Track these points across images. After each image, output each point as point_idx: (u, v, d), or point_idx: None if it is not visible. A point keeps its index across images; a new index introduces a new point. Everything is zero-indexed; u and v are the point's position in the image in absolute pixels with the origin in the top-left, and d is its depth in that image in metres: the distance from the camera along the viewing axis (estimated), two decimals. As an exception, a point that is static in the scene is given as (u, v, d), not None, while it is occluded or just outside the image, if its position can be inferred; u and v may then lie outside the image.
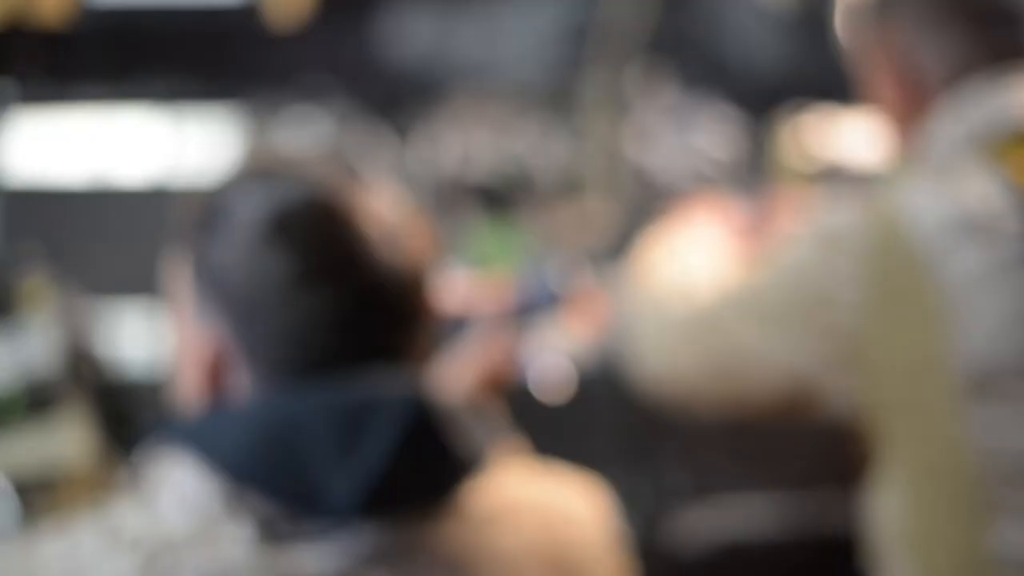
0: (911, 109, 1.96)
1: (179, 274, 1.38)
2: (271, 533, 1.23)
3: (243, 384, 1.32)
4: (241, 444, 1.25)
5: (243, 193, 1.34)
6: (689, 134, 3.02)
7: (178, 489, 1.26)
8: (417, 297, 1.36)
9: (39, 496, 1.86)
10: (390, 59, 4.57)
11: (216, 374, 1.33)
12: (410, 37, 4.57)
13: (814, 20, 4.33)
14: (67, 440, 2.01)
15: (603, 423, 2.48)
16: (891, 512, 1.92)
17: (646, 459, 2.52)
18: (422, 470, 1.28)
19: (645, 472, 2.52)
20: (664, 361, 2.09)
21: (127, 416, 2.46)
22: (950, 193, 1.80)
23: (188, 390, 1.38)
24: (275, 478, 1.24)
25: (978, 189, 1.79)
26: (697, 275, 2.20)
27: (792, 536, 2.60)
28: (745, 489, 2.58)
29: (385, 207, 1.37)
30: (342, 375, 1.29)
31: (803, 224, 1.93)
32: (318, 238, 1.30)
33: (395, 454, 1.24)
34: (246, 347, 1.31)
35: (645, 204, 2.90)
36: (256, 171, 1.38)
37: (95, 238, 3.52)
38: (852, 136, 3.00)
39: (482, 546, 1.31)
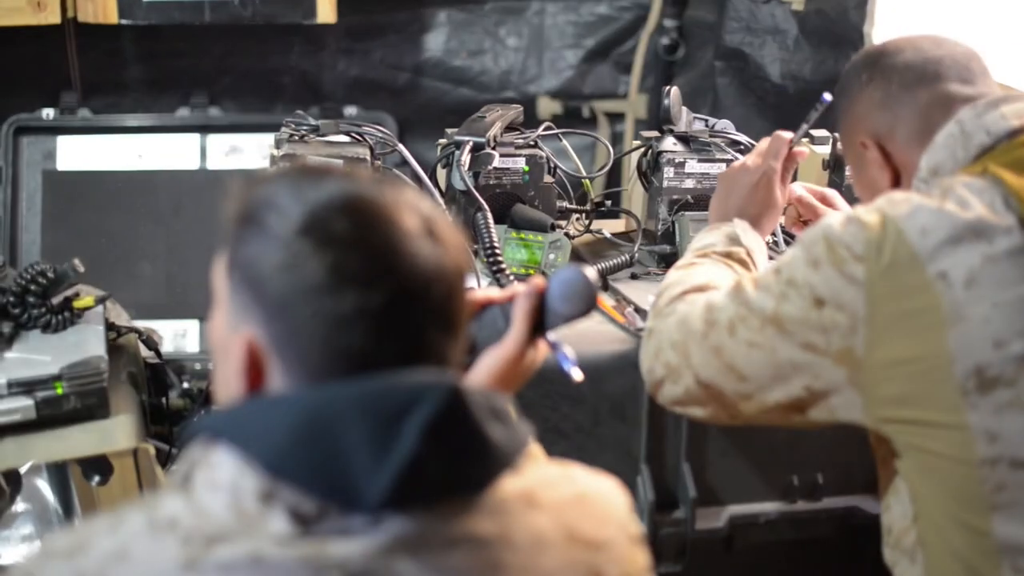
0: (890, 186, 2.08)
1: (220, 270, 1.41)
2: (303, 524, 1.27)
3: (276, 383, 1.36)
4: (277, 436, 1.28)
5: (279, 192, 1.36)
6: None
7: (216, 480, 1.30)
8: (453, 298, 1.38)
9: (94, 471, 1.89)
10: (411, 71, 4.60)
11: (251, 371, 1.36)
12: (429, 49, 4.60)
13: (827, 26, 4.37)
14: (117, 422, 2.06)
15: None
16: (902, 506, 1.97)
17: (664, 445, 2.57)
18: (455, 461, 1.31)
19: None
20: (676, 367, 2.11)
21: (162, 394, 2.52)
22: (949, 201, 1.83)
23: (225, 383, 1.42)
24: (310, 471, 1.27)
25: (975, 196, 1.83)
26: (724, 282, 2.21)
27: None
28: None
29: (421, 208, 1.39)
30: (375, 375, 1.32)
31: (810, 236, 1.93)
32: (353, 238, 1.32)
33: (428, 443, 1.27)
34: (277, 347, 1.34)
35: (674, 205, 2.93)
36: (293, 172, 1.40)
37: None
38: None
39: (508, 536, 1.33)
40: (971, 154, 1.94)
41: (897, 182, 2.09)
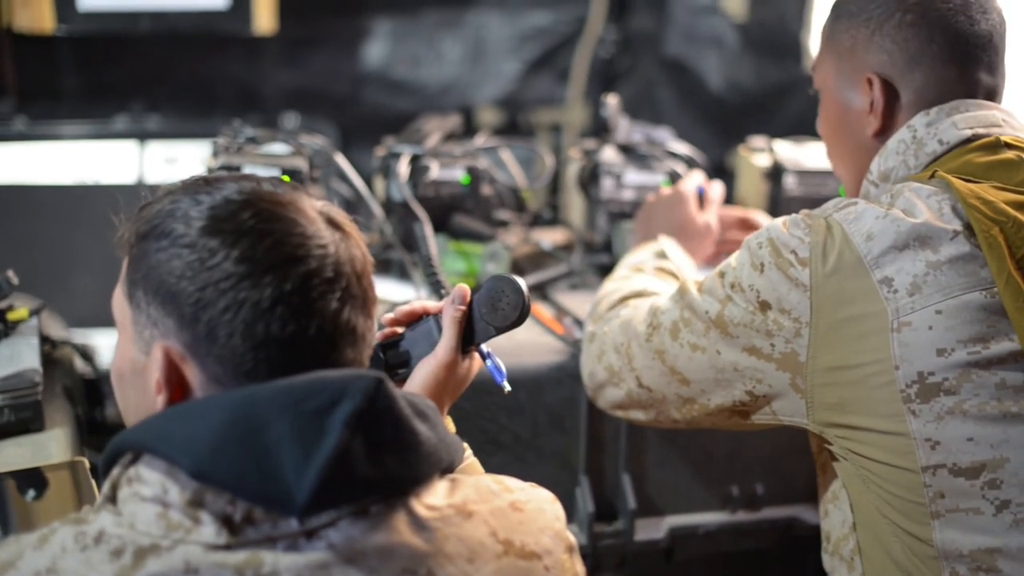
0: (872, 135, 2.02)
1: (119, 298, 1.43)
2: (233, 531, 1.27)
3: (199, 390, 1.36)
4: (201, 441, 1.27)
5: (178, 202, 1.38)
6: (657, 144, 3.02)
7: (142, 493, 1.29)
8: (364, 278, 1.41)
9: (29, 485, 1.87)
10: (352, 81, 4.59)
11: (172, 382, 1.36)
12: (369, 59, 4.59)
13: (769, 38, 4.40)
14: (51, 436, 2.04)
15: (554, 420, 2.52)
16: (841, 513, 1.99)
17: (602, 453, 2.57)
18: (382, 454, 1.31)
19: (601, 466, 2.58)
20: (619, 371, 2.13)
21: (97, 407, 2.50)
22: (896, 207, 1.83)
23: (140, 411, 1.42)
24: (237, 473, 1.26)
25: (923, 202, 1.83)
26: (663, 288, 2.25)
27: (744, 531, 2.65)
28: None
29: (317, 203, 1.42)
30: (297, 365, 1.33)
31: (755, 240, 1.93)
32: (259, 228, 1.34)
33: (353, 436, 1.27)
34: (196, 350, 1.34)
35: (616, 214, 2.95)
36: (187, 184, 1.42)
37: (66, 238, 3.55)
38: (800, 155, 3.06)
39: (442, 546, 1.34)
40: (922, 162, 1.94)
41: (879, 135, 2.02)
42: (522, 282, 1.74)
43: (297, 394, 1.29)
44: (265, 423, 1.27)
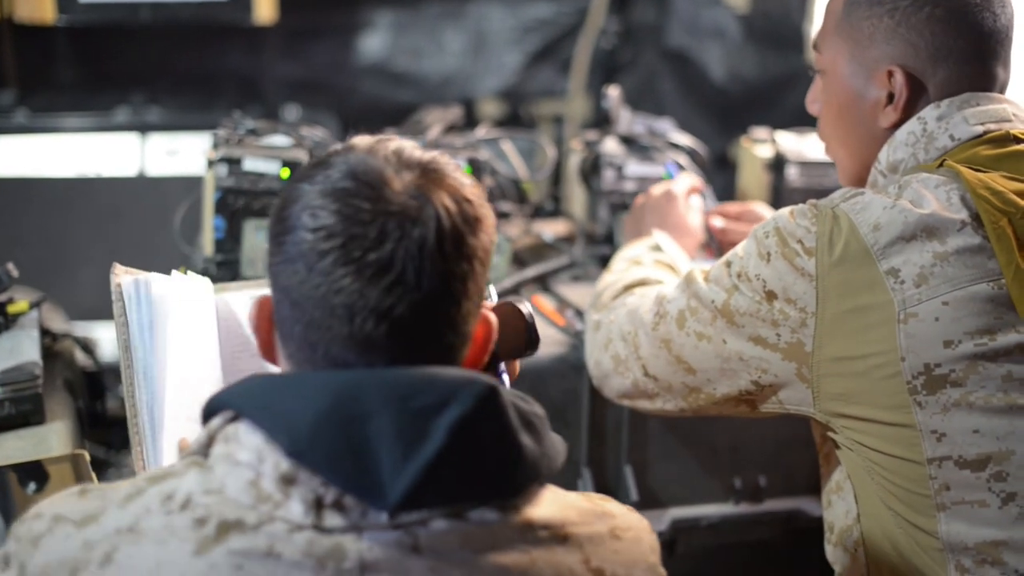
0: (887, 127, 1.98)
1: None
2: (320, 514, 1.26)
3: (279, 342, 1.38)
4: (302, 419, 1.27)
5: (309, 173, 1.35)
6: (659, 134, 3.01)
7: (237, 456, 1.29)
8: (425, 280, 1.32)
9: (30, 478, 1.87)
10: (353, 72, 4.58)
11: (260, 327, 1.39)
12: (370, 51, 4.58)
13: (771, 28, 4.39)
14: (52, 429, 2.04)
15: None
16: (844, 504, 1.98)
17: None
18: (481, 466, 1.29)
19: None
20: (625, 359, 2.12)
21: (98, 400, 2.50)
22: (904, 198, 1.83)
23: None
24: (334, 458, 1.25)
25: (930, 192, 1.82)
26: (665, 278, 2.26)
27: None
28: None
29: (414, 191, 1.35)
30: (388, 349, 1.31)
31: (762, 230, 1.93)
32: (359, 207, 1.30)
33: (455, 444, 1.25)
34: (275, 314, 1.37)
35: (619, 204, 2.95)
36: (317, 161, 1.39)
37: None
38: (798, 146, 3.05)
39: (530, 572, 1.32)
40: (932, 156, 1.92)
41: (894, 127, 1.98)
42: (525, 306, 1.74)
43: (404, 389, 1.28)
44: (368, 413, 1.26)
